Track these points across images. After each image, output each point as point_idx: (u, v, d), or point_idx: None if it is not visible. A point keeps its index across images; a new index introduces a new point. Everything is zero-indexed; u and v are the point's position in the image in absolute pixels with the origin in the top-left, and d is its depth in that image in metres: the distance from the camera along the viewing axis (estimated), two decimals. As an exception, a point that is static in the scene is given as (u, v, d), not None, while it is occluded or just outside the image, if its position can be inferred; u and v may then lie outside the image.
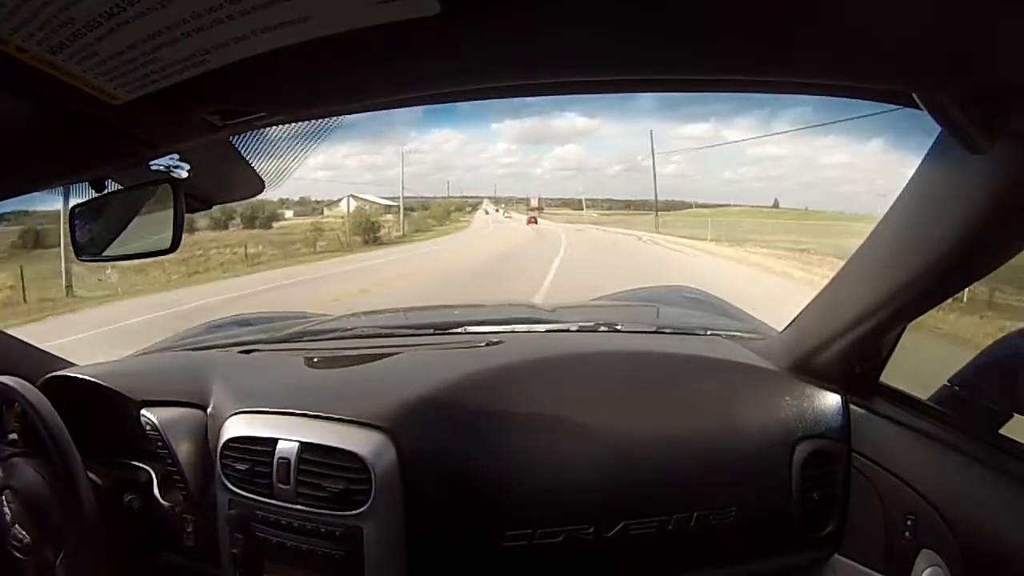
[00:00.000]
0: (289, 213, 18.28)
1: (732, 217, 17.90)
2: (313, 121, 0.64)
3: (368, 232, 16.92)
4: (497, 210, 28.19)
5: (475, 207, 28.17)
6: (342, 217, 18.60)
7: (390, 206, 21.62)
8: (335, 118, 0.63)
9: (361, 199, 20.65)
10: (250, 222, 15.71)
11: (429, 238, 19.06)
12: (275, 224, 16.97)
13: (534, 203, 28.58)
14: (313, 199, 19.74)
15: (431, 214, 24.66)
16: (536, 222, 24.89)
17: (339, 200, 19.98)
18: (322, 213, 19.19)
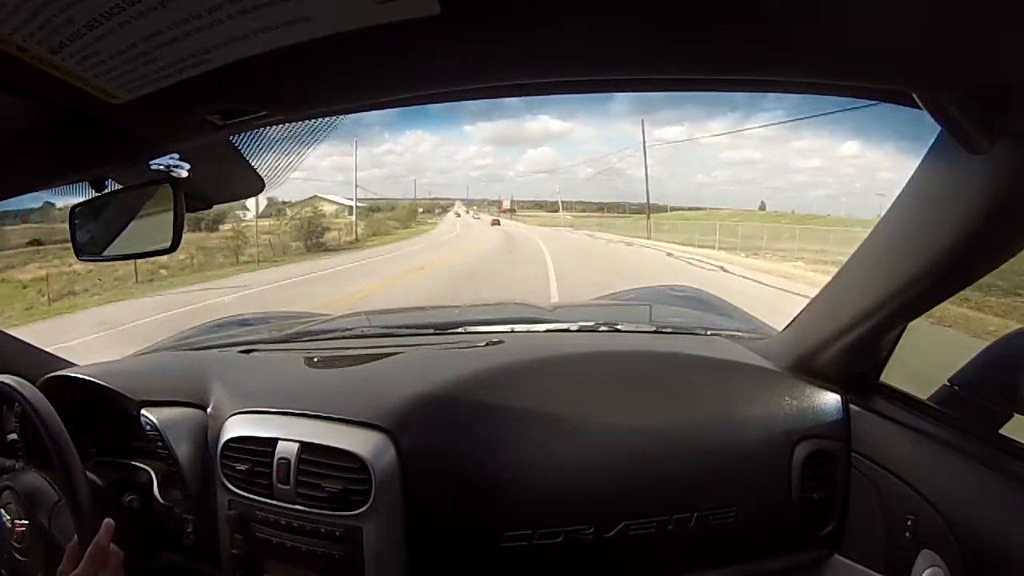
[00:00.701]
0: (250, 214, 16.27)
1: (723, 221, 15.97)
2: (313, 120, 0.64)
3: (312, 237, 15.18)
4: (468, 211, 28.07)
5: (446, 209, 27.97)
6: (298, 219, 16.79)
7: (356, 207, 20.37)
8: (335, 117, 0.63)
9: (325, 199, 19.24)
10: (196, 224, 13.06)
11: (386, 243, 17.09)
12: (221, 227, 14.70)
13: (506, 204, 28.31)
14: (280, 199, 18.34)
15: (395, 216, 23.37)
16: (499, 223, 24.25)
17: (306, 200, 18.35)
18: (285, 215, 17.59)
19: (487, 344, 1.21)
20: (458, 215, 27.48)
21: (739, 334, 1.30)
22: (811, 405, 1.07)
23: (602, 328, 1.34)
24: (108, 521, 0.83)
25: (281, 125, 0.64)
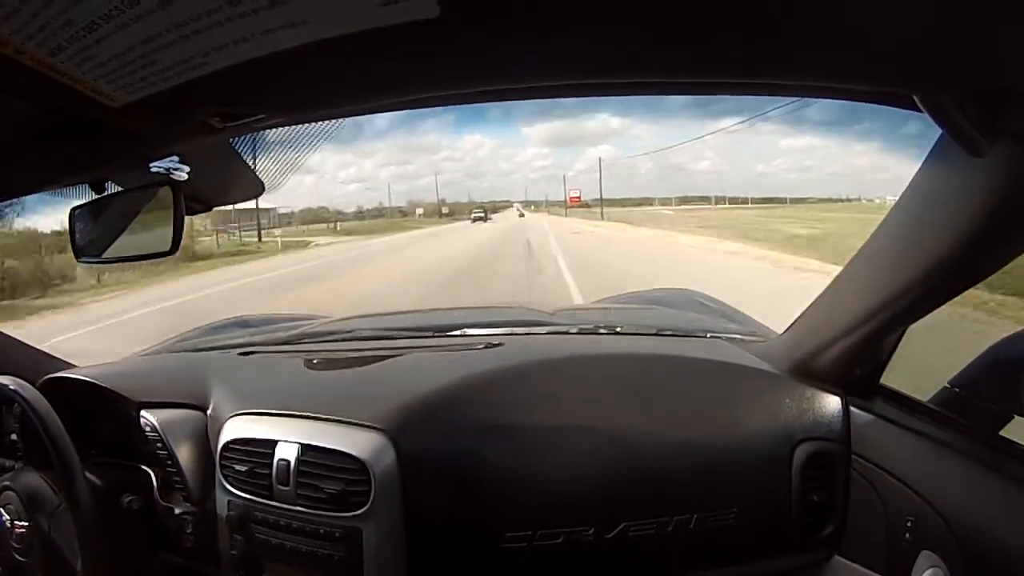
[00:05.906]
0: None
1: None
2: (313, 124, 0.64)
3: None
4: (518, 211, 26.84)
5: (490, 210, 25.42)
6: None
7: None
8: (335, 121, 0.63)
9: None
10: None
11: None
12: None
13: (574, 195, 25.51)
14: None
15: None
16: (523, 215, 21.62)
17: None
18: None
19: (486, 346, 1.20)
20: (484, 222, 22.74)
21: (739, 337, 1.29)
22: (811, 407, 1.07)
23: (602, 331, 1.34)
24: None
25: (281, 128, 0.64)
